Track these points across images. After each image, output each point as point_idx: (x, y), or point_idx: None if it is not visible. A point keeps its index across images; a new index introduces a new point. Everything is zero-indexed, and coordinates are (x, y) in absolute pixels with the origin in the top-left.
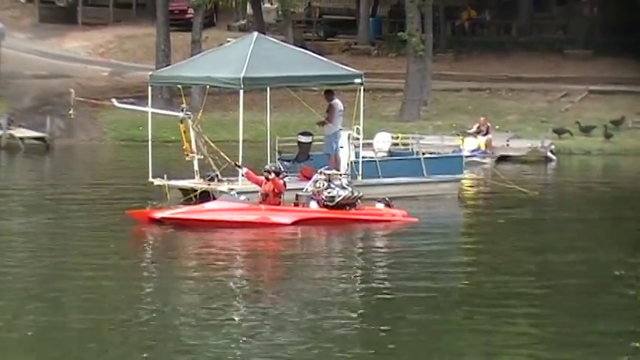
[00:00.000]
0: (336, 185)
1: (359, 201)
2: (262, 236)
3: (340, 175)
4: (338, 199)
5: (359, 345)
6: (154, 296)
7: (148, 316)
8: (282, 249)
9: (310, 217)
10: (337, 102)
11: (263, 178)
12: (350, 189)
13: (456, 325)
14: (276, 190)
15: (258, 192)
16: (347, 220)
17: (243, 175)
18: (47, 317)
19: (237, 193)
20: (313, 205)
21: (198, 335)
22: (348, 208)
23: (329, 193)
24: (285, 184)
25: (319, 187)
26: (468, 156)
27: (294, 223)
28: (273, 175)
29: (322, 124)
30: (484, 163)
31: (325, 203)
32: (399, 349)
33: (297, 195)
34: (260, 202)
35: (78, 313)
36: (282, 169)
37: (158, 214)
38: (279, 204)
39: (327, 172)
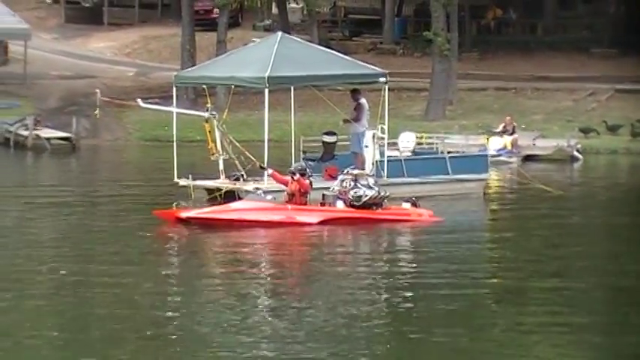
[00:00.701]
0: (363, 185)
1: (385, 201)
2: (289, 236)
3: (367, 174)
4: (365, 199)
5: (384, 349)
6: (181, 297)
7: (173, 319)
8: (308, 249)
9: (337, 217)
10: (364, 101)
11: (289, 178)
12: (377, 189)
13: (482, 324)
14: (302, 190)
15: (284, 191)
16: (373, 220)
17: (269, 176)
18: (72, 314)
19: (264, 192)
20: (340, 204)
21: (223, 337)
22: (374, 207)
23: (355, 192)
24: (311, 183)
25: (346, 187)
26: (494, 155)
27: (320, 223)
28: (298, 175)
29: (347, 122)
30: (510, 163)
31: (352, 203)
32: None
33: (323, 194)
34: (286, 202)
35: (104, 315)
36: (307, 169)
37: (184, 214)
38: (305, 204)
39: (354, 171)
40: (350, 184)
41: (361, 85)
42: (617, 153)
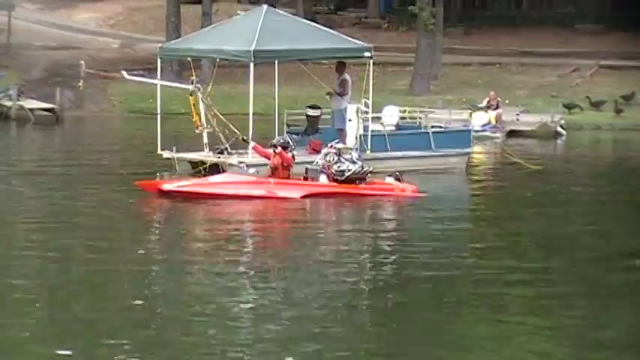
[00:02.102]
0: (346, 159)
1: (369, 175)
2: (271, 210)
3: (351, 149)
4: (348, 174)
5: (366, 333)
6: (161, 276)
7: (155, 298)
8: (290, 224)
9: (320, 192)
10: (349, 77)
11: (271, 151)
12: (360, 163)
13: (463, 303)
14: (284, 164)
15: (267, 165)
16: (357, 195)
17: (252, 149)
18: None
19: (247, 166)
20: (323, 178)
21: (207, 318)
22: (358, 182)
23: (339, 167)
24: (293, 157)
25: (329, 161)
26: (479, 130)
27: (303, 197)
28: (279, 149)
29: (330, 95)
30: (495, 138)
31: (335, 177)
32: (405, 330)
33: (306, 168)
34: (269, 176)
35: (87, 290)
36: (290, 143)
37: (167, 186)
38: (288, 177)
39: (338, 145)
40: (333, 159)
41: (346, 59)
42: (601, 129)
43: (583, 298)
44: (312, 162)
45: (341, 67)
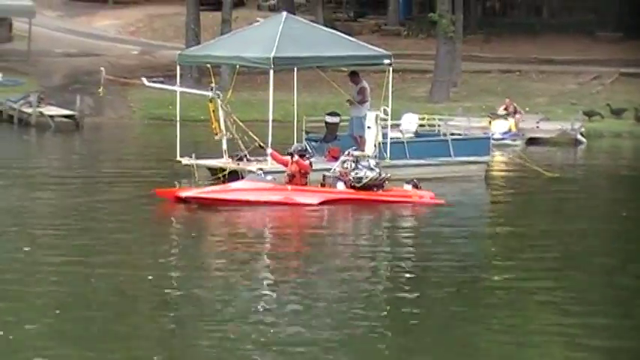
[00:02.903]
0: (364, 166)
1: (386, 182)
2: (288, 217)
3: (368, 156)
4: (365, 180)
5: (383, 336)
6: (180, 278)
7: (174, 299)
8: (308, 230)
9: (337, 198)
10: (366, 84)
11: (289, 158)
12: (378, 170)
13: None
14: (302, 171)
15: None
16: (374, 202)
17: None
18: (70, 293)
19: (264, 172)
20: (340, 185)
21: (225, 319)
22: (375, 189)
23: (356, 174)
24: (311, 164)
25: (347, 168)
26: (499, 138)
27: (320, 204)
28: (297, 156)
29: (351, 103)
30: (515, 145)
31: (352, 184)
32: (423, 334)
33: (324, 176)
34: (287, 183)
35: (104, 293)
36: (308, 150)
37: (184, 193)
38: (305, 184)
39: (355, 152)
40: (351, 166)
41: (365, 66)
42: (621, 136)
43: (604, 304)
44: (330, 169)
45: (355, 76)
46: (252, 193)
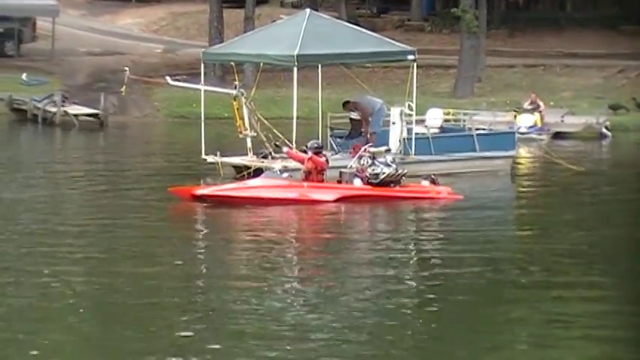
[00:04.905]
0: (381, 162)
1: (403, 178)
2: (304, 214)
3: (384, 152)
4: (382, 177)
5: (407, 330)
6: (204, 278)
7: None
8: (325, 227)
9: (354, 195)
10: (366, 103)
11: (305, 155)
12: (394, 166)
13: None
14: (318, 168)
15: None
16: (391, 198)
17: (284, 153)
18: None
19: (280, 170)
20: (357, 182)
21: (248, 318)
22: (392, 185)
23: (373, 170)
24: (327, 161)
25: (363, 164)
26: (525, 132)
27: (336, 201)
28: (311, 153)
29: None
30: (540, 140)
31: (369, 180)
32: (445, 329)
33: (340, 172)
34: (303, 180)
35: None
36: (322, 146)
37: (200, 191)
38: (322, 181)
39: (372, 149)
40: (367, 162)
41: (389, 62)
42: None
43: (631, 304)
44: (347, 166)
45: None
46: (268, 191)
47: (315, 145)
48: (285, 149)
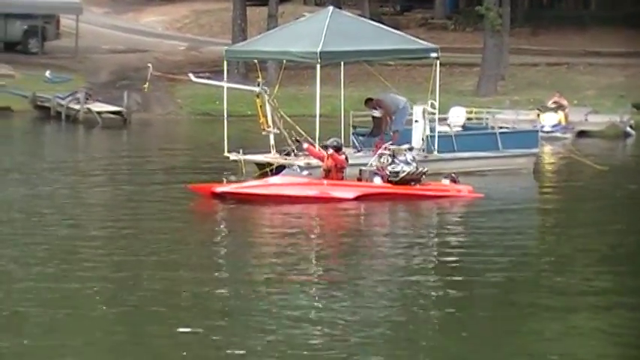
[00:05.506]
0: (401, 160)
1: (424, 176)
2: (324, 211)
3: (405, 150)
4: (402, 175)
5: (430, 330)
6: (225, 272)
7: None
8: (344, 224)
9: (374, 193)
10: (389, 101)
11: (325, 153)
12: (414, 164)
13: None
14: (338, 166)
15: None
16: (411, 196)
17: (304, 150)
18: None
19: (300, 167)
20: (377, 180)
21: (273, 317)
22: (412, 183)
23: (393, 168)
24: (347, 158)
25: (383, 163)
26: (549, 131)
27: (356, 199)
28: (331, 150)
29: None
30: (564, 138)
31: (389, 178)
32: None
33: (360, 170)
34: (323, 178)
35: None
36: (342, 144)
37: (220, 189)
38: (341, 179)
39: (392, 147)
40: (388, 160)
41: (412, 59)
42: None
43: None
44: (366, 164)
45: (370, 102)
46: (288, 188)
47: (335, 143)
48: (305, 145)
